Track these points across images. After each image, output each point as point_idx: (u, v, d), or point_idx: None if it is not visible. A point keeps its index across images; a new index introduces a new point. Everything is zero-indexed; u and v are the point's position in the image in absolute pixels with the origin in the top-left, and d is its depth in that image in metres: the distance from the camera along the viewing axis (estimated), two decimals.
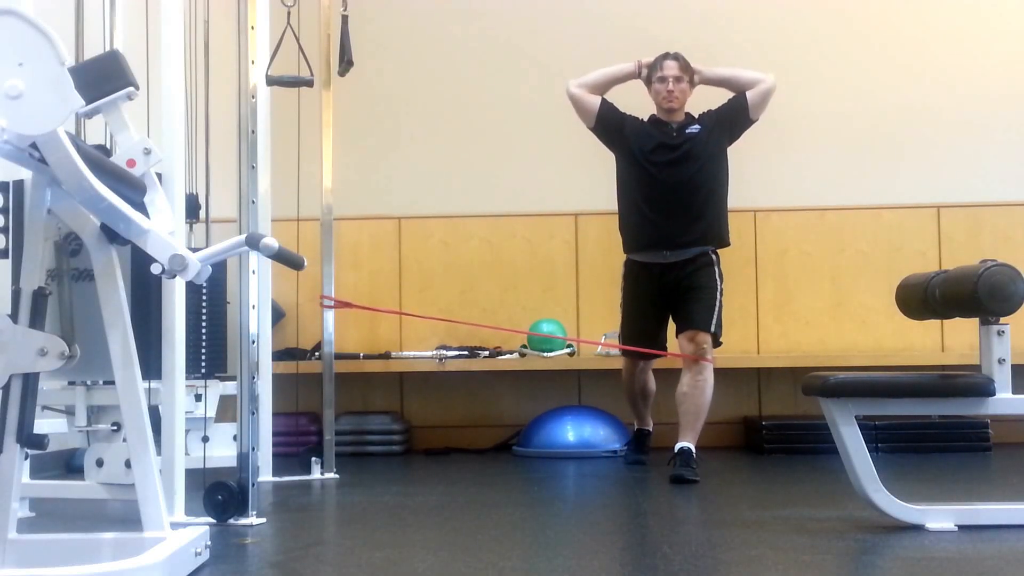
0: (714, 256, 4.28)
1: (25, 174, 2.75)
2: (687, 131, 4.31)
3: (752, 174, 5.14)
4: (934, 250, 5.43)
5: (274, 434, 4.15)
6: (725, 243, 4.36)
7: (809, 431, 4.74)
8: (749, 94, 4.29)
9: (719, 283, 4.24)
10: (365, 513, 3.42)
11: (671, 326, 4.39)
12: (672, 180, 4.26)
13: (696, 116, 4.37)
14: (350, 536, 3.05)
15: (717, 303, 4.21)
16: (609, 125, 4.38)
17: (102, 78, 2.57)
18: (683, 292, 4.25)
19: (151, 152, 2.57)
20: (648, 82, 4.37)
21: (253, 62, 3.26)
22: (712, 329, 4.16)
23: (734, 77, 4.35)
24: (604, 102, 4.38)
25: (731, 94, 4.35)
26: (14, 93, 1.94)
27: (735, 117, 4.32)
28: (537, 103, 5.38)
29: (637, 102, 4.43)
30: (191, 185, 3.78)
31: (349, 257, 5.39)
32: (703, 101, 4.41)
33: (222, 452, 3.61)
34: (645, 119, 4.41)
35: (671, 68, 4.29)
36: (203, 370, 3.74)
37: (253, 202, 3.19)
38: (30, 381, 2.16)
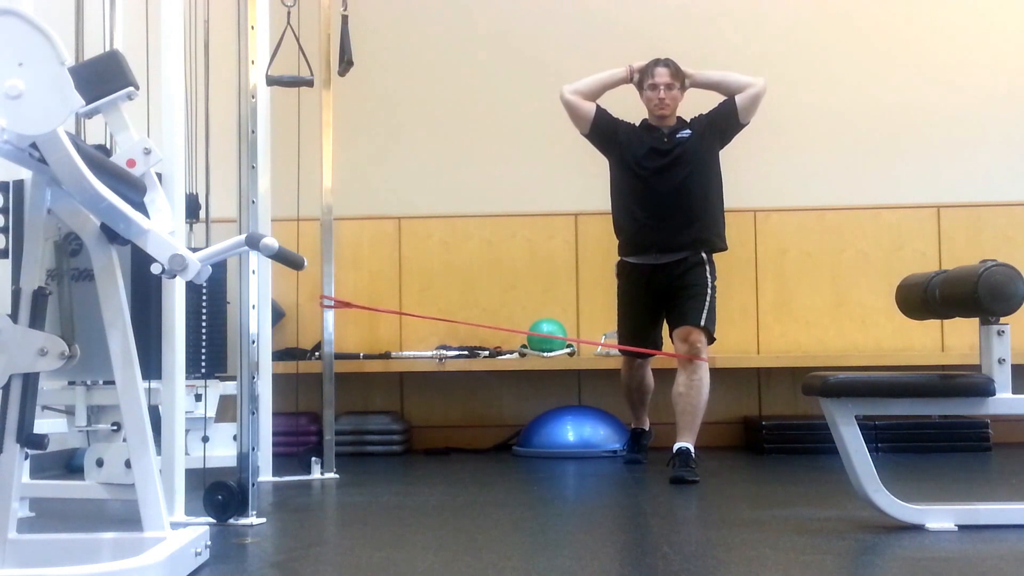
0: (705, 256, 4.28)
1: (25, 174, 2.74)
2: (678, 136, 4.32)
3: (752, 174, 5.15)
4: (934, 250, 5.43)
5: (274, 434, 4.15)
6: (720, 248, 4.36)
7: (809, 431, 4.74)
8: (738, 98, 4.30)
9: (710, 280, 4.25)
10: (365, 513, 3.42)
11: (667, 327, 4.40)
12: (664, 185, 4.28)
13: (687, 120, 4.39)
14: (350, 536, 3.05)
15: (708, 299, 4.22)
16: (603, 132, 4.39)
17: (102, 78, 2.57)
18: (674, 292, 4.27)
19: (151, 152, 2.57)
20: (640, 87, 4.38)
21: (253, 62, 3.26)
22: (703, 323, 4.17)
23: (724, 81, 4.36)
24: (599, 109, 4.39)
25: (722, 97, 4.36)
26: (14, 93, 1.94)
27: (725, 121, 4.33)
28: (537, 103, 5.37)
29: (629, 107, 4.44)
30: (191, 185, 3.78)
31: (349, 257, 5.39)
32: (694, 104, 4.42)
33: (222, 452, 3.60)
34: (637, 124, 4.42)
35: (662, 75, 4.30)
36: (203, 370, 3.74)
37: (253, 202, 3.19)
38: (30, 381, 2.16)
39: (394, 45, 5.63)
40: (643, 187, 4.32)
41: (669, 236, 4.26)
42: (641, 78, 4.37)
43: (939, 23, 5.58)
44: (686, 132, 4.33)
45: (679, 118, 4.40)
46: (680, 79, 4.33)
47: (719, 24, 5.54)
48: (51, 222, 2.29)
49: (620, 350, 4.51)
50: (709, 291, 4.23)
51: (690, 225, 4.27)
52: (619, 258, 4.46)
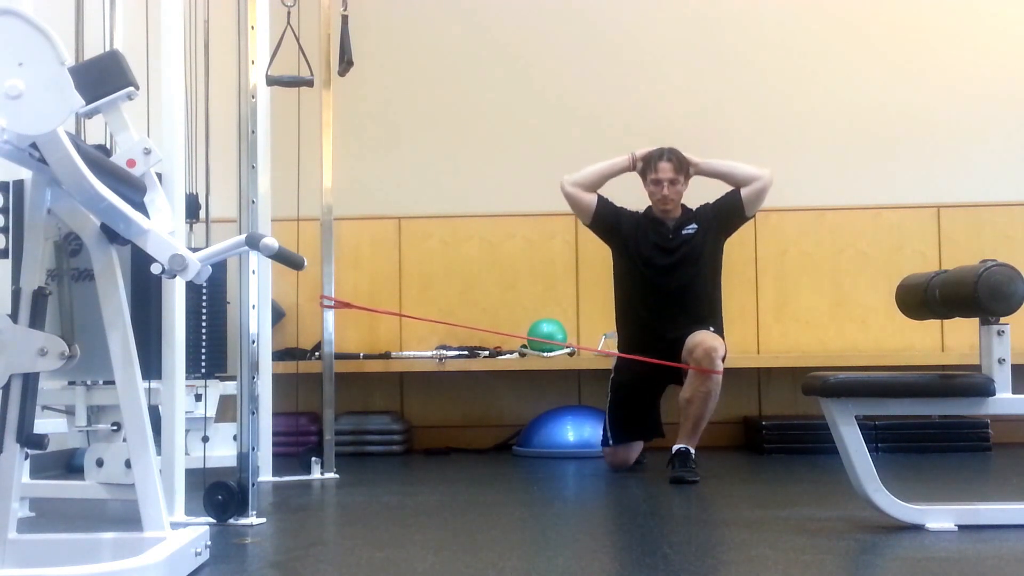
0: None
1: (25, 174, 2.74)
2: (683, 232, 4.26)
3: None
4: (934, 250, 5.43)
5: (274, 434, 4.15)
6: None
7: (809, 431, 4.74)
8: (744, 192, 4.23)
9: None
10: (365, 513, 3.42)
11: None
12: (670, 285, 4.23)
13: (693, 211, 4.32)
14: (350, 536, 3.05)
15: (718, 319, 4.22)
16: (605, 223, 4.35)
17: (102, 78, 2.57)
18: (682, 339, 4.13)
19: (151, 152, 2.57)
20: (643, 176, 4.30)
21: (253, 62, 3.26)
22: (714, 330, 4.12)
23: (730, 172, 4.28)
24: (600, 200, 4.34)
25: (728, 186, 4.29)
26: (14, 93, 1.94)
27: (730, 214, 4.28)
28: (537, 103, 5.38)
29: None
30: (191, 185, 3.78)
31: (349, 257, 5.39)
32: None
33: (222, 452, 3.61)
34: (641, 212, 4.36)
35: (666, 170, 4.21)
36: (203, 370, 3.74)
37: (253, 202, 3.19)
38: (30, 381, 2.16)
39: (394, 45, 5.63)
40: (647, 284, 4.26)
41: (672, 336, 4.14)
42: (644, 168, 4.28)
43: (939, 23, 5.57)
44: (692, 228, 4.26)
45: (684, 208, 4.32)
46: (684, 171, 4.24)
47: (719, 25, 5.54)
48: (51, 222, 2.29)
49: (605, 456, 4.35)
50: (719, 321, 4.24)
51: (694, 323, 4.15)
52: (616, 360, 4.33)
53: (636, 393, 4.28)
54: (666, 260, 4.25)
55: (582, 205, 4.35)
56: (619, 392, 4.31)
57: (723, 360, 4.03)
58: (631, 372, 4.26)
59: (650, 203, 4.33)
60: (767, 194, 4.26)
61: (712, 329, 4.15)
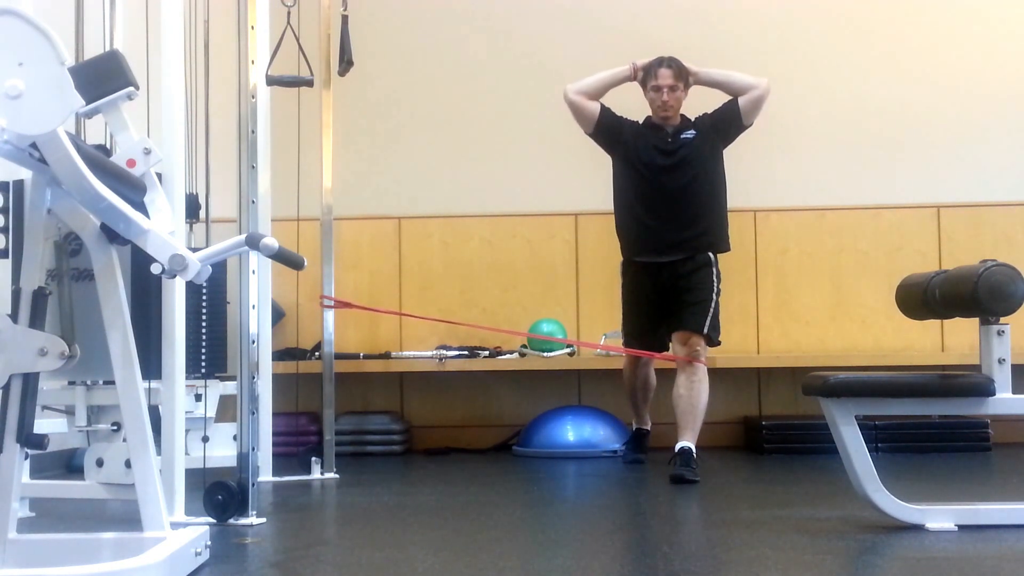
0: (711, 257, 4.29)
1: (25, 174, 2.75)
2: (682, 136, 4.32)
3: (752, 174, 5.14)
4: (934, 250, 5.43)
5: (274, 434, 4.15)
6: (724, 248, 4.36)
7: (809, 431, 4.74)
8: (741, 100, 4.29)
9: (715, 284, 4.25)
10: (365, 513, 3.42)
11: None
12: (669, 186, 4.28)
13: (691, 120, 4.38)
14: (350, 536, 3.05)
15: (712, 305, 4.21)
16: (608, 131, 4.39)
17: (102, 78, 2.57)
18: (678, 294, 4.26)
19: (151, 152, 2.58)
20: (643, 86, 4.38)
21: (253, 62, 3.26)
22: (705, 331, 4.17)
23: (728, 81, 4.35)
24: (603, 108, 4.39)
25: (725, 96, 4.36)
26: (14, 93, 1.94)
27: (728, 123, 4.33)
28: (537, 103, 5.38)
29: (632, 105, 4.44)
30: (191, 185, 3.78)
31: (349, 257, 5.39)
32: (697, 100, 4.42)
33: (222, 452, 3.60)
34: (641, 121, 4.42)
35: (666, 76, 4.29)
36: (203, 370, 3.74)
37: (253, 202, 3.19)
38: (30, 381, 2.16)
39: (394, 45, 5.63)
40: (648, 187, 4.31)
41: (673, 236, 4.26)
42: (644, 77, 4.36)
43: (939, 23, 5.57)
44: (691, 133, 4.33)
45: (683, 117, 4.39)
46: (684, 79, 4.32)
47: (719, 24, 5.54)
48: (51, 222, 2.29)
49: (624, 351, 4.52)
50: (714, 296, 4.23)
51: (695, 225, 4.27)
52: (623, 258, 4.46)
53: (639, 302, 4.40)
54: (666, 161, 4.30)
55: (585, 112, 4.38)
56: (627, 301, 4.47)
57: (716, 334, 4.21)
58: (632, 279, 4.41)
59: (649, 112, 4.40)
60: (764, 103, 4.31)
61: (709, 236, 4.28)
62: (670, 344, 4.31)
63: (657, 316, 4.36)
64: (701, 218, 4.29)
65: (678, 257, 4.27)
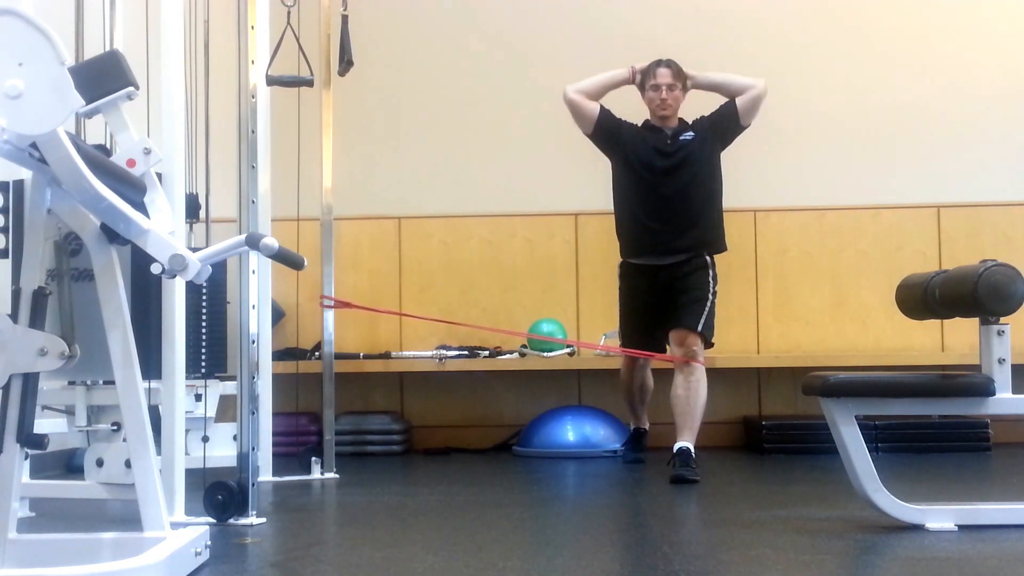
0: (708, 259, 4.29)
1: (25, 174, 2.75)
2: (681, 138, 4.33)
3: (751, 174, 5.14)
4: (934, 250, 5.43)
5: (274, 434, 4.15)
6: (721, 249, 4.37)
7: (809, 431, 4.74)
8: (739, 101, 4.31)
9: (711, 285, 4.26)
10: (365, 513, 3.42)
11: None
12: (668, 188, 4.29)
13: (689, 122, 4.40)
14: (350, 536, 3.05)
15: (707, 304, 4.22)
16: (607, 132, 4.39)
17: (102, 78, 2.57)
18: (675, 294, 4.27)
19: (151, 152, 2.58)
20: (642, 88, 4.39)
21: (253, 62, 3.26)
22: (700, 330, 4.19)
23: (725, 83, 4.37)
24: (603, 109, 4.39)
25: (723, 99, 4.36)
26: (14, 93, 1.94)
27: (726, 124, 4.34)
28: (537, 103, 5.38)
29: (631, 108, 4.44)
30: (191, 185, 3.77)
31: (349, 257, 5.39)
32: (696, 104, 4.43)
33: (222, 452, 3.60)
34: (639, 124, 4.43)
35: (664, 76, 4.32)
36: (203, 370, 3.73)
37: (253, 202, 3.19)
38: (30, 381, 2.16)
39: (394, 45, 5.63)
40: (647, 189, 4.33)
41: (672, 238, 4.28)
42: (643, 79, 4.38)
43: (939, 23, 5.57)
44: (689, 134, 4.34)
45: (681, 119, 4.40)
46: (682, 80, 4.34)
47: (719, 25, 5.54)
48: (51, 222, 2.29)
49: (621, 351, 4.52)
50: (710, 296, 4.24)
51: (693, 227, 4.29)
52: (621, 259, 4.47)
53: (636, 303, 4.41)
54: (665, 163, 4.31)
55: (584, 113, 4.39)
56: (624, 302, 4.48)
57: (711, 334, 4.23)
58: (630, 281, 4.42)
59: (648, 115, 4.41)
60: (762, 103, 4.32)
61: (707, 237, 4.29)
62: (667, 346, 4.31)
63: (654, 318, 4.36)
64: (700, 220, 4.30)
65: (675, 260, 4.28)
